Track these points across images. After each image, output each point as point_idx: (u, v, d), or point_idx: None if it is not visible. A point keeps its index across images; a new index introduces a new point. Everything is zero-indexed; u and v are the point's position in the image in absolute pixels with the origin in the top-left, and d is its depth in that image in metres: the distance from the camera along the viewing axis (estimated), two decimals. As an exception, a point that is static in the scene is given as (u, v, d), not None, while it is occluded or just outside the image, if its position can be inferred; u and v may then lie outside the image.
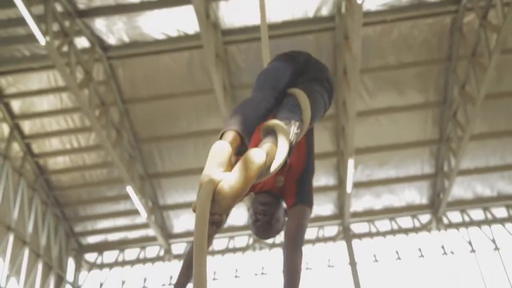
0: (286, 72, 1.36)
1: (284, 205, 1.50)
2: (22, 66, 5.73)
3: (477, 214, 7.40)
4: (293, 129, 1.03)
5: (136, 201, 6.29)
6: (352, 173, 6.25)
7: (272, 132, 1.01)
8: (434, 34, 5.71)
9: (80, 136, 6.40)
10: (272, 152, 0.96)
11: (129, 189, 6.10)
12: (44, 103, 6.12)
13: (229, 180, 0.84)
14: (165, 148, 6.62)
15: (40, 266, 6.52)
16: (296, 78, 1.38)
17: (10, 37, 5.34)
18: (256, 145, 1.03)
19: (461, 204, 7.26)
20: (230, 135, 0.95)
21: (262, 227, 1.42)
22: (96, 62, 5.71)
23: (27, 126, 6.29)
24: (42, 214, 6.66)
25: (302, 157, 1.57)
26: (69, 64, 5.03)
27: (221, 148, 0.91)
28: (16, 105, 6.10)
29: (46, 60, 5.33)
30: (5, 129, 6.10)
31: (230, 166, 0.91)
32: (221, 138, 0.95)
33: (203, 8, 4.59)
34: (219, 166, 0.89)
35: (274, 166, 0.95)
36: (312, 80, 1.39)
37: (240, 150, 0.97)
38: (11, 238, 5.95)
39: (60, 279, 7.05)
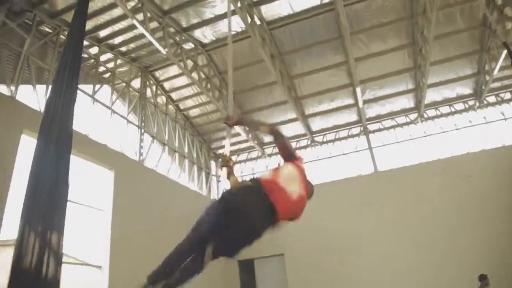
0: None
1: None
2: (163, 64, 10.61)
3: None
4: None
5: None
6: (360, 95, 10.11)
7: None
8: (399, 1, 8.74)
9: (202, 97, 11.31)
10: None
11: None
12: (180, 81, 11.07)
13: None
14: (247, 96, 11.16)
15: (195, 168, 12.16)
16: None
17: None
18: None
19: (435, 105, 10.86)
20: None
21: None
22: (199, 55, 10.20)
23: (174, 95, 11.43)
24: (191, 141, 12.09)
25: None
26: (182, 60, 9.32)
27: None
28: (166, 85, 11.19)
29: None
30: (163, 99, 11.34)
31: None
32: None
33: (245, 14, 7.99)
34: None
35: None
36: None
37: None
38: (176, 156, 11.51)
39: (208, 174, 12.77)
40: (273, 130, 2.77)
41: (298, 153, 2.81)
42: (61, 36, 7.33)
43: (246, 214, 2.19)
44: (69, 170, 3.65)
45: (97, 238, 7.45)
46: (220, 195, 2.59)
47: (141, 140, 9.23)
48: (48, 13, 7.15)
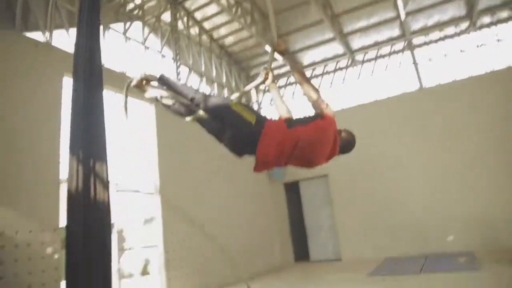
0: None
1: None
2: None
3: None
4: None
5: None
6: (402, 7, 9.32)
7: None
8: None
9: (235, 24, 11.02)
10: None
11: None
12: (212, 10, 10.80)
13: None
14: (281, 18, 10.68)
15: (225, 91, 12.32)
16: None
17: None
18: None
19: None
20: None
21: None
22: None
23: (207, 25, 11.26)
24: (229, 70, 12.08)
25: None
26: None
27: None
28: (198, 15, 10.95)
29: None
30: (196, 30, 11.24)
31: None
32: None
33: None
34: None
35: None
36: None
37: None
38: (215, 85, 11.66)
39: (247, 102, 12.94)
40: (303, 80, 2.84)
41: (325, 109, 2.72)
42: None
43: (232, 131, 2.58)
44: (103, 104, 3.92)
45: (148, 168, 8.08)
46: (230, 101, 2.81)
47: (178, 73, 9.43)
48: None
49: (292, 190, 11.83)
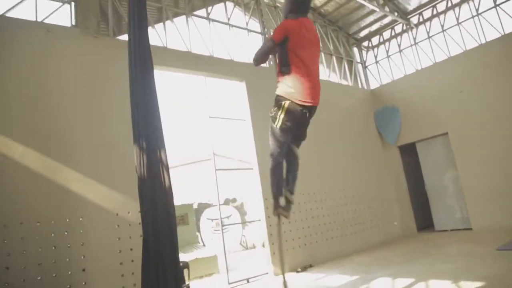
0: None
1: None
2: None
3: None
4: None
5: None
6: None
7: None
8: None
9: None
10: None
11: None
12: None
13: None
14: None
15: (334, 60, 11.54)
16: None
17: None
18: None
19: None
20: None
21: None
22: None
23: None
24: (324, 33, 11.31)
25: None
26: None
27: None
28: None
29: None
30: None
31: None
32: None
33: None
34: None
35: None
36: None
37: None
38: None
39: (351, 62, 12.00)
40: None
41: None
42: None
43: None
44: (155, 89, 4.10)
45: (246, 145, 8.27)
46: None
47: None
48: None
49: (408, 153, 10.68)
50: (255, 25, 9.49)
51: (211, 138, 7.69)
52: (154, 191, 3.91)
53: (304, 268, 7.50)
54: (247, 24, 9.19)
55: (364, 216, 9.50)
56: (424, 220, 10.36)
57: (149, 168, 3.91)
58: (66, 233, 5.17)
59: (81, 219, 5.34)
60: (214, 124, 7.75)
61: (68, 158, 5.46)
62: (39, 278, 4.82)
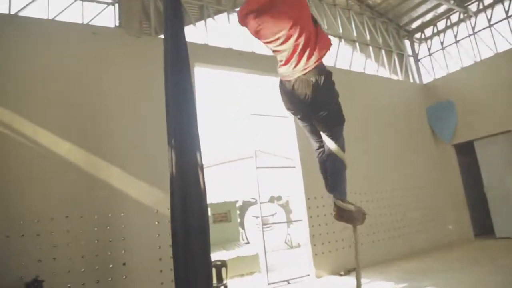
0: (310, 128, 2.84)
1: None
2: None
3: None
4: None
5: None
6: None
7: None
8: None
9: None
10: None
11: None
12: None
13: None
14: None
15: (383, 53, 10.94)
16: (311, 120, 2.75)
17: None
18: None
19: None
20: None
21: None
22: None
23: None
24: (373, 25, 10.78)
25: None
26: None
27: None
28: (330, -27, 10.19)
29: None
30: (332, -12, 10.41)
31: None
32: None
33: None
34: None
35: None
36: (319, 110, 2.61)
37: None
38: (356, 45, 10.60)
39: (401, 56, 11.33)
40: None
41: None
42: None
43: None
44: (191, 88, 4.10)
45: (289, 142, 8.09)
46: None
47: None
48: None
49: (465, 152, 9.89)
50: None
51: (253, 135, 7.59)
52: (185, 189, 3.88)
53: (348, 272, 7.19)
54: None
55: (413, 218, 8.94)
56: (482, 225, 9.53)
57: (180, 166, 3.90)
58: (108, 227, 5.34)
59: (122, 214, 5.49)
60: (257, 121, 7.65)
61: (111, 155, 5.63)
62: (82, 270, 5.02)
